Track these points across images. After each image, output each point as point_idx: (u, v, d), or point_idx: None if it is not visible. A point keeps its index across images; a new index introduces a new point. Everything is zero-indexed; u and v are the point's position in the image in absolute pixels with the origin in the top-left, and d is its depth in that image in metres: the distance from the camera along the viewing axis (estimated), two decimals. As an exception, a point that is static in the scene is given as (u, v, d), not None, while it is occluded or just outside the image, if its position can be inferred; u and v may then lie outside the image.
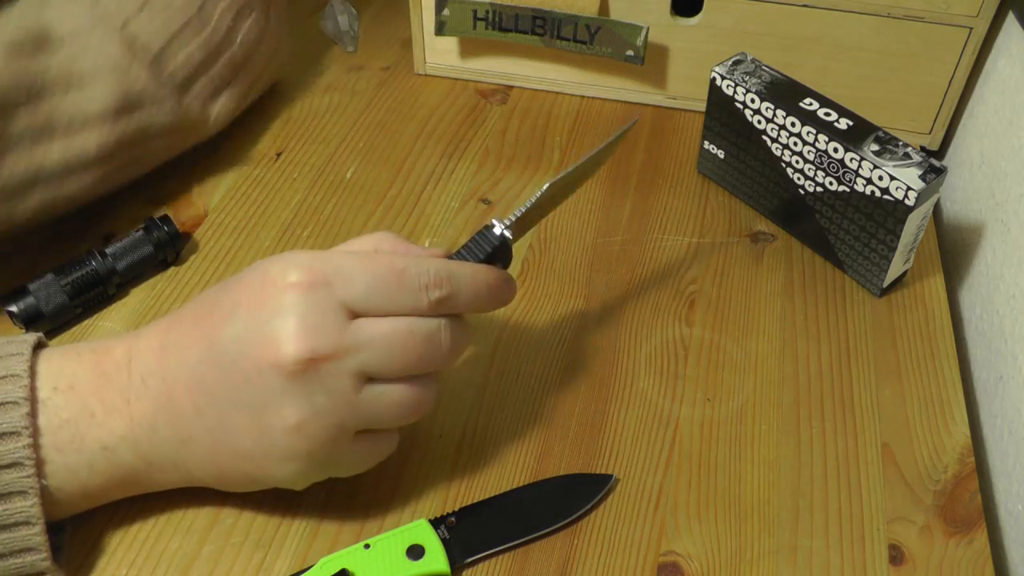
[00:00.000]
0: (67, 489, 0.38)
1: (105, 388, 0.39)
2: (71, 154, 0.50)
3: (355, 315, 0.37)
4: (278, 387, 0.36)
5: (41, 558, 0.37)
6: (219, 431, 0.38)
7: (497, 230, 0.42)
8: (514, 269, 0.56)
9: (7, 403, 0.36)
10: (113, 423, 0.38)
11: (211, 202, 0.60)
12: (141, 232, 0.53)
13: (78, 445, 0.38)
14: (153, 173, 0.61)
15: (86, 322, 0.51)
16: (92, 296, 0.51)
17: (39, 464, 0.37)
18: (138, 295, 0.53)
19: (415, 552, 0.40)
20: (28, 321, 0.49)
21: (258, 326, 0.36)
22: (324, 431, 0.37)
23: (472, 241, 0.42)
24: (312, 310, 0.36)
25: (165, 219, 0.54)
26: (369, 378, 0.38)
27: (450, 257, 0.42)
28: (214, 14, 0.58)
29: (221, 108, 0.60)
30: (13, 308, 0.49)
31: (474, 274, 0.40)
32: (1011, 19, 0.59)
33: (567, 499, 0.43)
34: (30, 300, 0.49)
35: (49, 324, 0.50)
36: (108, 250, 0.52)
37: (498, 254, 0.42)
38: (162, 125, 0.55)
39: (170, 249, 0.54)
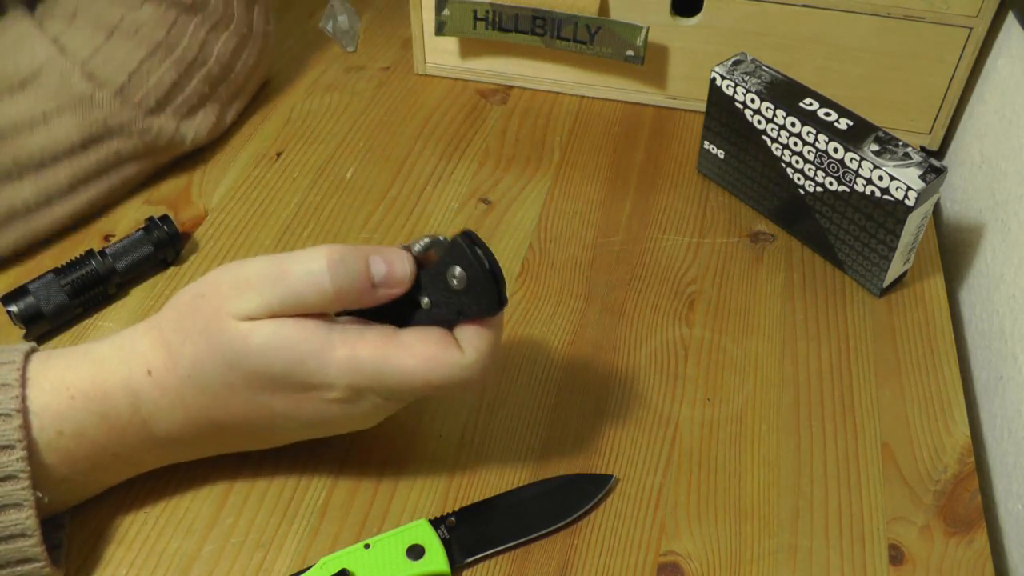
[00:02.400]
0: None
1: (121, 436, 0.39)
2: (43, 188, 0.52)
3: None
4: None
5: (40, 567, 0.37)
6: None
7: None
8: (514, 269, 0.56)
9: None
10: (138, 457, 0.41)
11: (211, 202, 0.60)
12: (141, 232, 0.53)
13: (100, 476, 0.41)
14: (153, 173, 0.61)
15: (86, 322, 0.51)
16: (92, 296, 0.51)
17: (53, 483, 0.38)
18: (138, 295, 0.53)
19: (415, 552, 0.40)
20: (28, 321, 0.49)
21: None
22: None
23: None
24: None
25: (165, 219, 0.54)
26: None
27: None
28: (185, 34, 0.58)
29: (201, 123, 0.60)
30: (13, 308, 0.49)
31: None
32: (1011, 19, 0.59)
33: (567, 499, 0.43)
34: (30, 300, 0.49)
35: (49, 324, 0.50)
36: (108, 250, 0.52)
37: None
38: (134, 149, 0.56)
39: (170, 249, 0.54)
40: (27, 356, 0.39)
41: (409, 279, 0.38)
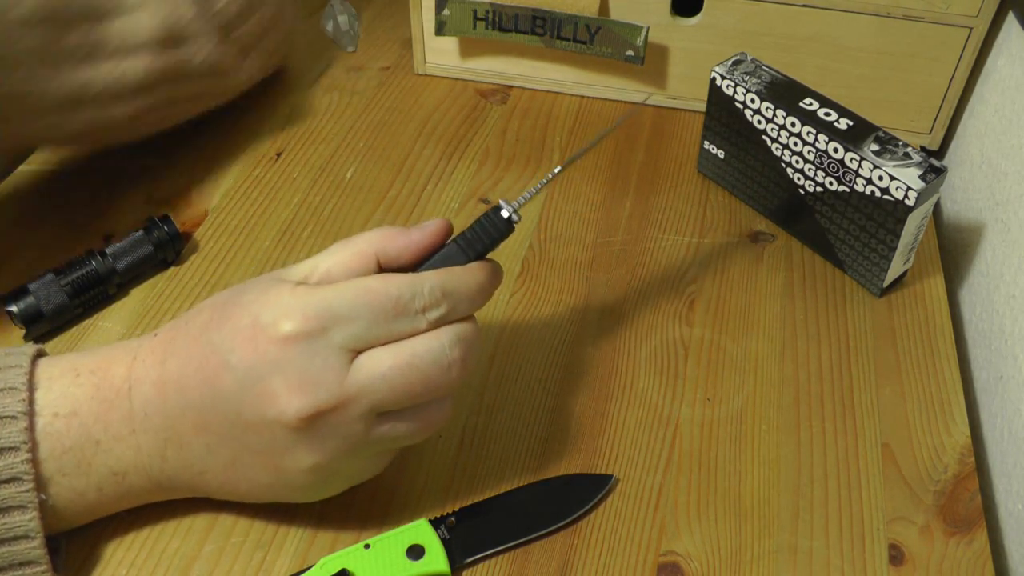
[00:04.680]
0: (73, 508, 0.39)
1: (107, 414, 0.38)
2: (117, 77, 0.52)
3: (356, 352, 0.36)
4: (287, 438, 0.37)
5: (41, 571, 0.37)
6: (233, 468, 0.39)
7: (505, 213, 0.40)
8: (514, 269, 0.56)
9: (5, 417, 0.36)
10: (120, 451, 0.39)
11: (211, 202, 0.60)
12: (141, 232, 0.53)
13: (85, 469, 0.38)
14: (153, 173, 0.61)
15: (86, 322, 0.51)
16: (92, 296, 0.51)
17: (43, 483, 0.37)
18: (138, 295, 0.53)
19: (415, 552, 0.40)
20: (28, 321, 0.49)
21: (256, 380, 0.36)
22: (341, 466, 0.39)
23: (480, 226, 0.40)
24: (311, 363, 0.36)
25: (165, 219, 0.54)
26: (380, 414, 0.38)
27: (454, 241, 0.40)
28: None
29: (250, 65, 0.62)
30: (13, 308, 0.49)
31: (469, 280, 0.39)
32: (1011, 19, 0.59)
33: (567, 499, 0.43)
34: (30, 300, 0.49)
35: (49, 324, 0.50)
36: (108, 250, 0.52)
37: (501, 240, 0.41)
38: (201, 64, 0.56)
39: (170, 249, 0.54)
40: (34, 360, 0.39)
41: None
